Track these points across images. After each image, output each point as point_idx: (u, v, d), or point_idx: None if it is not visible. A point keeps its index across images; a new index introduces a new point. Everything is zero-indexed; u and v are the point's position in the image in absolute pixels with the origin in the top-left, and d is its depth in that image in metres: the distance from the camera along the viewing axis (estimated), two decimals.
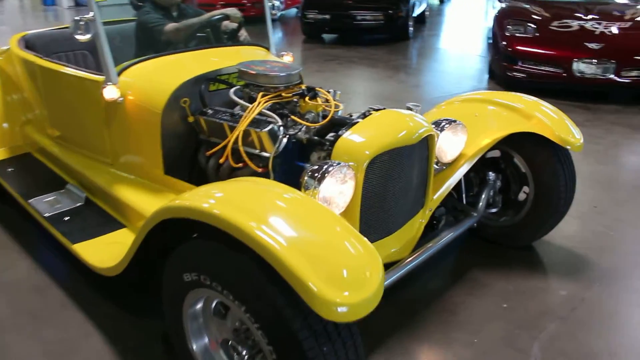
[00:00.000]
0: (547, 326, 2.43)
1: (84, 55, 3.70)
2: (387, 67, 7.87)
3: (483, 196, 2.86)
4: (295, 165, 2.49)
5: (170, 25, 3.30)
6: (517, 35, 6.28)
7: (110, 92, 2.67)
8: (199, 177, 2.79)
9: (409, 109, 2.51)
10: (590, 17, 6.35)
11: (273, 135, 2.39)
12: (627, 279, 2.82)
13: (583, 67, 5.80)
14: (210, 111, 2.67)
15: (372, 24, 9.49)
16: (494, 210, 2.95)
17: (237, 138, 2.41)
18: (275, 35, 10.42)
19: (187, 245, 1.79)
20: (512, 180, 2.97)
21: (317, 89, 2.59)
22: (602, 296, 2.67)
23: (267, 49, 3.44)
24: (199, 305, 1.85)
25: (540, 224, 2.89)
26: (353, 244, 1.56)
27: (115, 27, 3.69)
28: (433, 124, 2.55)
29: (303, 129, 2.47)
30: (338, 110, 2.55)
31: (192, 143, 2.79)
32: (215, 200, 1.74)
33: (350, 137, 2.20)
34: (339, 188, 2.04)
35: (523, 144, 2.82)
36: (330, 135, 2.48)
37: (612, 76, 5.77)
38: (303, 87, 2.62)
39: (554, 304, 2.60)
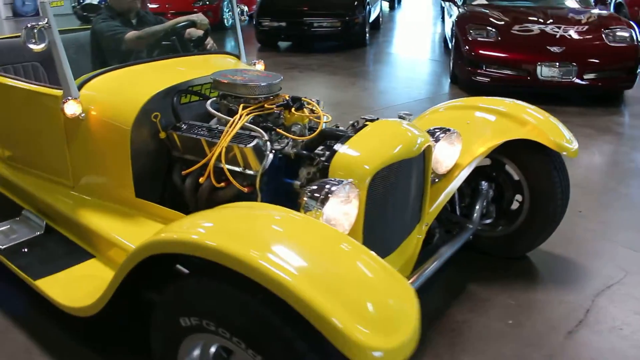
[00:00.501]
0: (557, 342, 2.31)
1: (35, 68, 3.37)
2: (348, 74, 7.75)
3: (477, 207, 2.72)
4: (283, 182, 2.28)
5: (131, 34, 3.04)
6: (480, 39, 6.27)
7: (71, 108, 2.39)
8: (173, 198, 2.54)
9: (401, 117, 2.34)
10: (549, 21, 6.40)
11: (258, 151, 2.18)
12: (628, 287, 2.73)
13: (546, 71, 5.83)
14: (184, 126, 2.43)
15: (329, 31, 9.36)
16: (488, 221, 2.82)
17: (219, 155, 2.18)
18: (228, 45, 10.17)
19: (183, 284, 1.55)
20: (505, 188, 2.85)
21: (303, 98, 2.40)
22: (606, 306, 2.57)
23: (238, 57, 3.22)
24: (197, 352, 1.61)
25: (537, 232, 2.78)
26: (382, 276, 1.37)
27: (68, 36, 3.39)
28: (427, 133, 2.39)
29: (290, 142, 2.27)
30: (329, 122, 2.36)
31: (164, 161, 2.54)
32: (211, 230, 1.52)
33: (347, 151, 2.01)
34: (343, 208, 1.84)
35: (515, 151, 2.70)
36: (319, 149, 2.29)
37: (574, 79, 5.82)
38: (287, 97, 2.42)
39: (560, 317, 2.48)
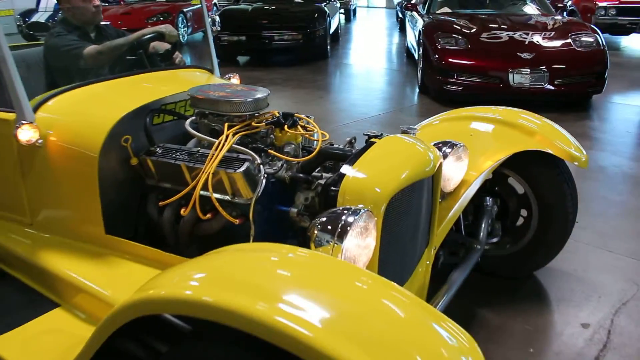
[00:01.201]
0: None
1: None
2: (315, 87, 7.53)
3: (483, 225, 2.51)
4: (277, 210, 2.02)
5: (91, 48, 2.72)
6: (449, 47, 6.16)
7: (26, 134, 2.06)
8: (148, 233, 2.23)
9: (405, 132, 2.11)
10: (517, 28, 6.36)
11: (249, 177, 1.91)
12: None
13: (518, 77, 5.75)
14: (159, 150, 2.14)
15: (290, 44, 9.14)
16: (494, 239, 2.61)
17: (204, 183, 1.89)
18: (192, 60, 9.83)
19: (182, 351, 1.25)
20: (509, 203, 2.65)
21: (295, 114, 2.14)
22: (627, 325, 2.39)
23: (211, 71, 2.94)
24: None
25: (547, 249, 2.60)
26: (429, 320, 1.12)
27: (17, 52, 3.03)
28: None
29: (284, 165, 2.01)
30: (325, 140, 2.10)
31: (137, 191, 2.23)
32: (207, 281, 1.23)
33: (357, 174, 1.76)
34: (363, 242, 1.59)
35: (520, 163, 2.51)
36: (317, 171, 2.03)
37: (546, 85, 5.76)
38: (276, 113, 2.16)
39: (582, 341, 2.28)
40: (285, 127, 2.07)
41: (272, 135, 2.17)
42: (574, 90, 5.93)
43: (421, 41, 6.75)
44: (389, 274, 1.81)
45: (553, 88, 5.79)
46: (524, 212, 2.64)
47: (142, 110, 2.19)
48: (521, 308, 2.52)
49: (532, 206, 2.55)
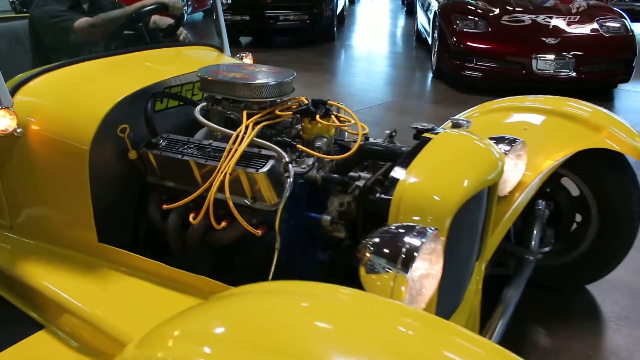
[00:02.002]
0: None
1: None
2: (323, 70, 7.15)
3: (534, 231, 2.17)
4: (306, 217, 1.68)
5: (82, 20, 2.36)
6: (468, 30, 5.79)
7: (2, 122, 1.70)
8: (148, 239, 1.90)
9: (457, 125, 1.75)
10: (540, 11, 5.98)
11: (274, 177, 1.57)
12: None
13: (542, 64, 5.39)
14: (162, 142, 1.79)
15: (296, 24, 8.72)
16: (546, 249, 2.27)
17: (221, 184, 1.55)
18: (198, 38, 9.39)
19: None
20: (563, 207, 2.31)
21: (328, 102, 1.78)
22: None
23: (220, 49, 2.57)
24: None
25: (606, 259, 2.27)
26: None
27: (0, 26, 2.67)
28: None
29: (315, 163, 1.66)
30: (365, 133, 1.75)
31: (136, 190, 1.89)
32: (234, 348, 0.88)
33: (413, 180, 1.41)
34: (432, 270, 1.25)
35: (578, 160, 2.16)
36: (354, 172, 1.69)
37: (571, 72, 5.41)
38: (304, 100, 1.81)
39: None
40: (317, 117, 1.72)
41: (298, 127, 1.82)
42: (600, 78, 5.57)
43: (437, 23, 6.37)
44: (443, 301, 1.49)
45: (578, 76, 5.43)
46: (578, 217, 2.31)
47: (142, 94, 1.84)
48: (576, 327, 2.20)
49: (591, 210, 2.21)
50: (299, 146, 1.66)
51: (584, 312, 2.31)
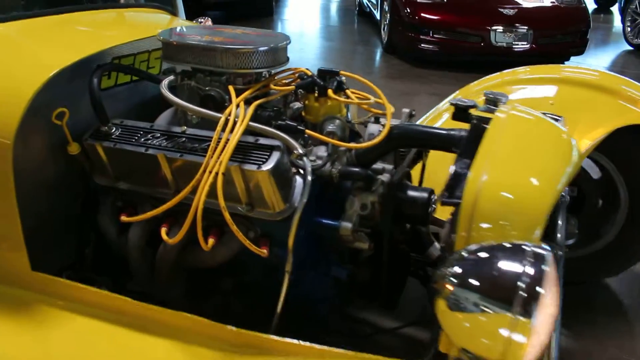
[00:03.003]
0: None
1: None
2: None
3: (559, 221, 1.86)
4: (318, 225, 1.28)
5: None
6: (422, 1, 5.47)
7: None
8: (101, 263, 1.44)
9: (492, 100, 1.39)
10: None
11: (281, 176, 1.16)
12: None
13: (501, 36, 5.17)
14: (116, 130, 1.33)
15: None
16: (570, 241, 1.98)
17: (211, 187, 1.12)
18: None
19: None
20: (587, 193, 2.02)
21: (340, 72, 1.38)
22: None
23: (172, 12, 2.09)
24: None
25: (636, 249, 2.00)
26: None
27: None
28: None
29: (330, 155, 1.27)
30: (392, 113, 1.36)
31: (79, 195, 1.42)
32: None
33: (489, 178, 1.03)
34: (554, 307, 0.88)
35: (607, 139, 1.87)
36: (378, 165, 1.31)
37: (529, 45, 5.22)
38: (306, 71, 1.39)
39: None
40: (330, 92, 1.30)
41: (294, 105, 1.40)
42: (557, 50, 5.43)
43: None
44: None
45: (536, 48, 5.26)
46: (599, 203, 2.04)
47: (82, 68, 1.36)
48: (604, 327, 1.93)
49: (620, 195, 1.94)
50: (310, 132, 1.25)
51: (611, 309, 2.05)
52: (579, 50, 5.52)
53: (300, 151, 1.15)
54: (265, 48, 1.31)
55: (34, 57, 1.38)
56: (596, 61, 6.18)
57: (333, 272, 1.35)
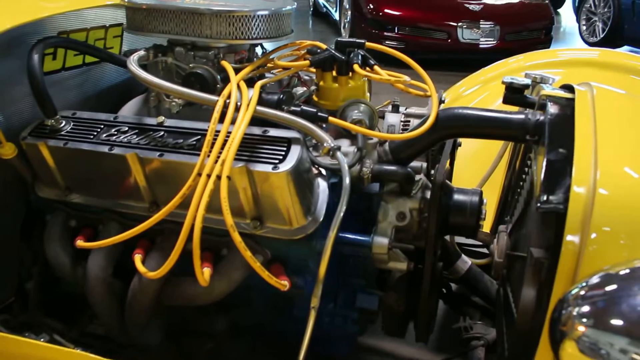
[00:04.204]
0: None
1: None
2: None
3: None
4: (343, 242, 0.98)
5: None
6: None
7: None
8: (43, 299, 1.10)
9: (539, 81, 1.13)
10: None
11: (303, 179, 0.85)
12: None
13: (468, 33, 5.01)
14: (66, 125, 0.99)
15: None
16: None
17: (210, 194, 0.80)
18: None
19: None
20: None
21: (366, 44, 1.08)
22: None
23: None
24: None
25: None
26: None
27: None
28: None
29: (361, 150, 0.97)
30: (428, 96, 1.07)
31: (17, 212, 1.07)
32: None
33: (604, 176, 0.75)
34: None
35: None
36: (417, 163, 1.02)
37: (497, 41, 5.09)
38: (318, 44, 1.10)
39: None
40: (356, 67, 1.00)
41: (298, 90, 1.10)
42: (523, 47, 5.29)
43: None
44: None
45: (503, 44, 5.12)
46: None
47: (15, 41, 1.01)
48: None
49: None
50: (335, 120, 0.94)
51: None
52: (545, 46, 5.42)
53: (332, 144, 0.85)
54: (266, 12, 1.00)
55: None
56: None
57: (359, 302, 1.05)
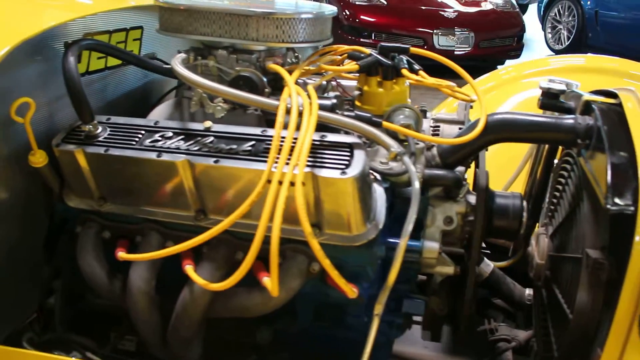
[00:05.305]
0: None
1: None
2: None
3: None
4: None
5: None
6: (362, 4, 5.29)
7: None
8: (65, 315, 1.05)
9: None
10: None
11: (366, 185, 0.83)
12: None
13: (444, 40, 5.09)
14: (102, 131, 0.95)
15: None
16: None
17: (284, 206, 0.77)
18: None
19: None
20: None
21: (411, 49, 1.08)
22: None
23: None
24: None
25: None
26: None
27: None
28: None
29: (415, 154, 0.96)
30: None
31: (39, 227, 1.03)
32: None
33: None
34: None
35: None
36: (460, 168, 1.03)
37: (471, 48, 5.19)
38: (361, 49, 1.09)
39: None
40: (405, 72, 0.99)
41: (331, 93, 1.08)
42: (497, 53, 5.44)
43: None
44: None
45: (478, 51, 5.24)
46: None
47: (42, 44, 0.97)
48: None
49: None
50: (389, 124, 0.93)
51: None
52: (517, 53, 5.57)
53: (398, 149, 0.83)
54: (310, 16, 0.98)
55: None
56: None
57: (406, 307, 1.03)
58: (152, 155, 0.88)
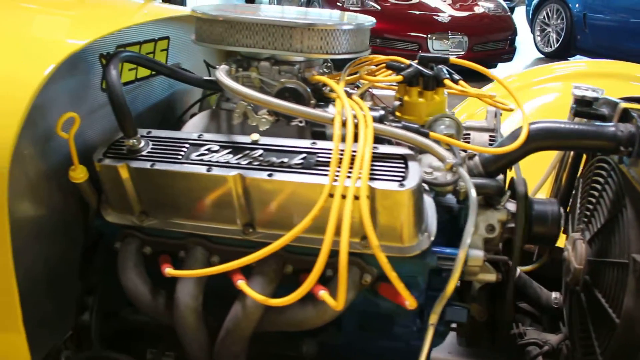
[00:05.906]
0: None
1: None
2: None
3: None
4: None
5: None
6: (355, 9, 5.31)
7: None
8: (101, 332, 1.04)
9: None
10: None
11: (420, 198, 0.84)
12: None
13: (438, 44, 5.13)
14: (145, 145, 0.93)
15: None
16: None
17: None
18: None
19: None
20: None
21: (451, 60, 1.08)
22: None
23: None
24: None
25: None
26: None
27: None
28: None
29: (460, 164, 0.96)
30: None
31: (75, 243, 1.02)
32: None
33: None
34: None
35: None
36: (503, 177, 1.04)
37: (465, 52, 5.23)
38: (399, 59, 1.09)
39: None
40: (447, 82, 0.99)
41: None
42: (490, 57, 5.49)
43: (317, 3, 5.80)
44: None
45: (472, 55, 5.27)
46: None
47: (78, 57, 0.95)
48: None
49: None
50: (436, 135, 0.93)
51: None
52: (509, 57, 5.62)
53: (454, 160, 0.83)
54: (351, 27, 0.98)
55: (19, 43, 0.95)
56: (517, 68, 6.36)
57: (449, 315, 1.03)
58: (202, 170, 0.87)
